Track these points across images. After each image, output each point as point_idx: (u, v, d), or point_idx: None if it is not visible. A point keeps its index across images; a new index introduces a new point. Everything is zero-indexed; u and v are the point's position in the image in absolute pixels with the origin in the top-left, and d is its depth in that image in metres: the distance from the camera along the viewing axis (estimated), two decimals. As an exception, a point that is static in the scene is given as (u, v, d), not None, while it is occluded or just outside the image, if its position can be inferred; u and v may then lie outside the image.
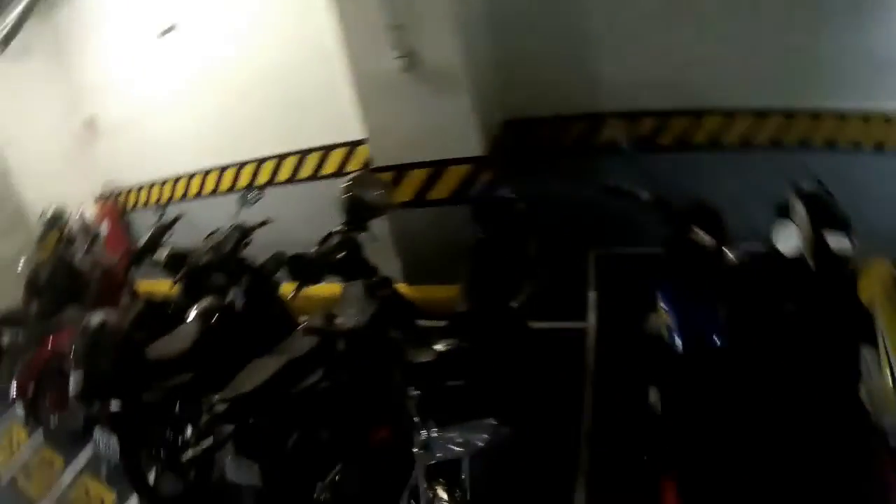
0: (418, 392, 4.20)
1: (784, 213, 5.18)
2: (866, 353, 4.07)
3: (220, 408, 4.72)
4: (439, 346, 4.40)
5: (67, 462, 7.33)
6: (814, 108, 7.80)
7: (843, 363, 4.24)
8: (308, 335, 4.99)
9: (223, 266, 6.69)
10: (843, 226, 4.57)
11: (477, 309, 5.31)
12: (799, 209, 4.88)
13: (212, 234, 6.99)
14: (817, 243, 4.51)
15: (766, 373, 4.46)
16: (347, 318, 5.56)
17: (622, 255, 8.00)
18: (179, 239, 7.91)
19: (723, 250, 4.53)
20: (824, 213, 4.74)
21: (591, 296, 7.52)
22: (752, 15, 7.40)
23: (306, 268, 5.67)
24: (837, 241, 4.48)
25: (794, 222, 4.65)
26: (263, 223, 7.03)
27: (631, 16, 7.87)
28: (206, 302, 6.38)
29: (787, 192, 5.13)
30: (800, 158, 7.60)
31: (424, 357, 4.36)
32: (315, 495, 4.94)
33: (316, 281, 5.76)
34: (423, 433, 4.06)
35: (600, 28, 8.13)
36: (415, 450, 4.12)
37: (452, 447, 4.00)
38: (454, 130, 7.33)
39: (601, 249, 8.28)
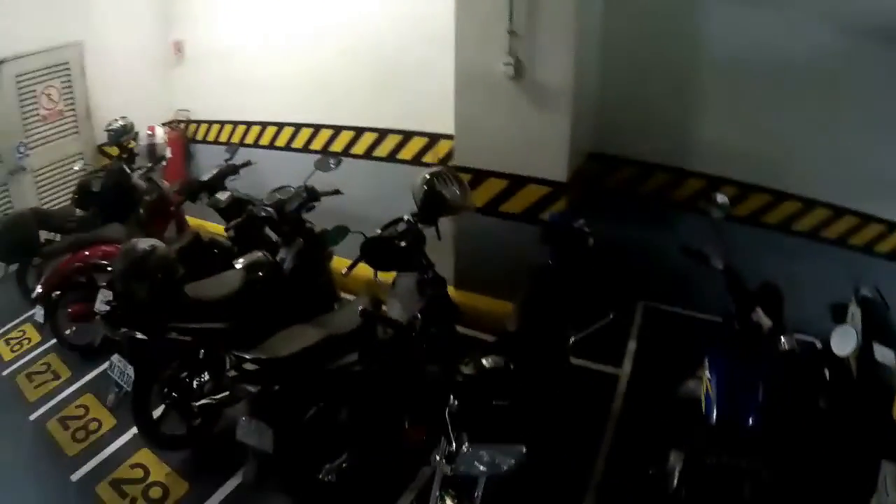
0: (457, 402, 4.06)
1: (839, 313, 5.39)
2: (886, 468, 4.18)
3: (251, 367, 4.60)
4: (487, 362, 4.25)
5: (74, 376, 7.24)
6: (891, 219, 7.59)
7: (861, 471, 4.33)
8: (364, 318, 4.83)
9: (282, 224, 6.61)
10: (891, 340, 4.64)
11: (529, 332, 5.17)
12: (856, 314, 5.08)
13: (279, 188, 6.89)
14: (864, 351, 4.62)
15: (787, 461, 4.40)
16: (392, 308, 5.59)
17: (670, 312, 7.97)
18: (240, 185, 7.90)
19: (779, 336, 4.49)
20: (878, 324, 4.89)
21: (631, 345, 7.42)
22: (853, 118, 7.24)
23: (382, 254, 5.61)
24: (883, 355, 4.54)
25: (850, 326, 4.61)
26: (336, 192, 6.91)
27: (740, 86, 7.74)
28: (255, 255, 6.25)
29: (846, 292, 5.31)
30: (864, 262, 7.58)
31: (471, 370, 4.21)
32: (320, 475, 4.87)
33: (388, 269, 5.76)
34: (454, 444, 3.92)
35: (706, 89, 8.02)
36: (437, 457, 4.02)
37: (478, 464, 3.86)
38: (545, 150, 7.20)
39: (651, 302, 8.19)
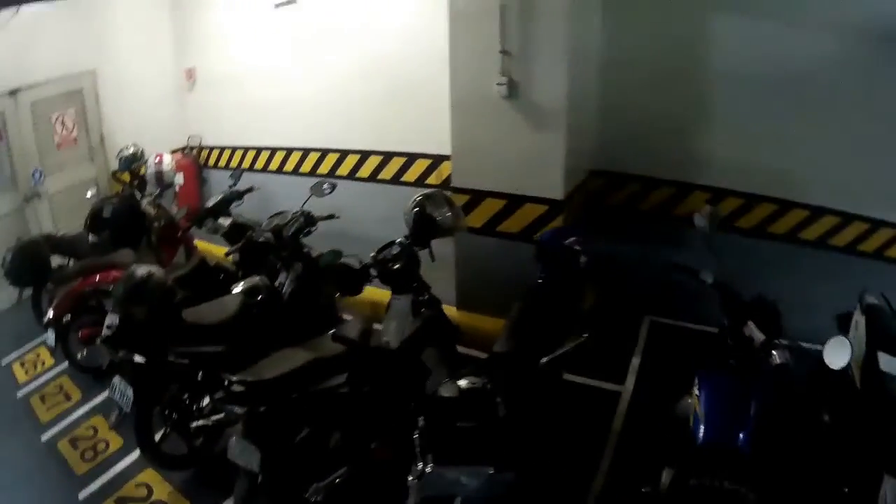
0: (425, 423, 4.15)
1: (844, 322, 5.21)
2: (888, 483, 4.00)
3: (238, 388, 4.69)
4: (463, 383, 4.31)
5: (84, 398, 7.39)
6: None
7: (863, 487, 4.16)
8: (336, 342, 4.95)
9: (280, 249, 6.73)
10: None
11: (517, 352, 5.13)
12: (860, 323, 4.88)
13: (277, 214, 7.04)
14: (868, 361, 4.48)
15: (779, 480, 4.28)
16: (387, 330, 5.65)
17: (677, 327, 7.90)
18: (250, 209, 8.06)
19: (771, 350, 4.37)
20: (883, 333, 4.69)
21: (635, 361, 7.37)
22: (858, 124, 7.23)
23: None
24: (889, 364, 4.39)
25: (849, 338, 4.36)
26: (331, 216, 7.01)
27: (741, 97, 7.74)
28: (253, 280, 6.36)
29: (852, 300, 5.13)
30: (876, 268, 7.53)
31: (445, 392, 4.28)
32: (307, 495, 4.90)
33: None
34: (420, 465, 4.01)
35: (708, 102, 8.04)
36: (410, 478, 4.06)
37: (444, 486, 3.96)
38: (541, 168, 7.22)
39: (658, 317, 8.16)
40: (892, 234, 7.53)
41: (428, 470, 3.95)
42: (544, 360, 4.76)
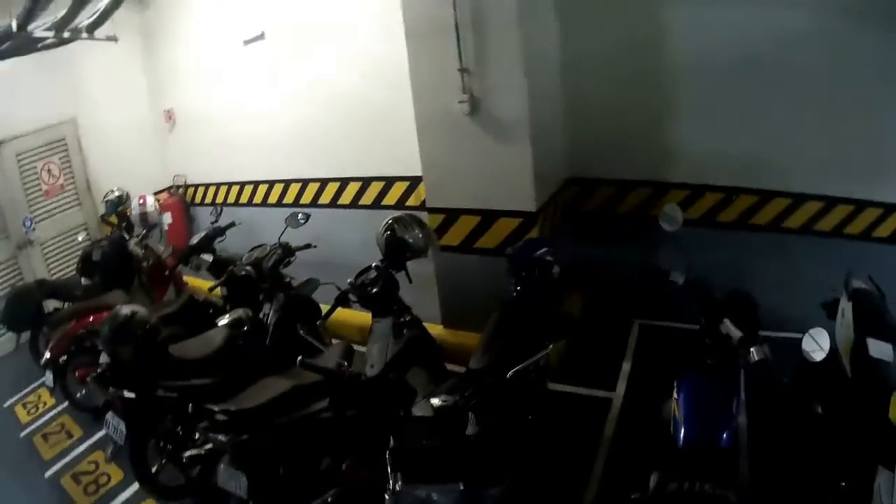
0: (394, 443, 4.26)
1: (831, 310, 5.16)
2: (882, 475, 3.87)
3: (220, 417, 4.85)
4: (435, 402, 4.38)
5: (85, 434, 7.59)
6: (885, 201, 7.50)
7: (856, 480, 4.07)
8: (304, 369, 5.00)
9: (261, 281, 6.94)
10: (888, 334, 4.45)
11: (490, 368, 5.12)
12: (846, 310, 4.81)
13: (257, 247, 7.27)
14: (857, 348, 4.41)
15: (775, 475, 4.33)
16: (369, 355, 5.79)
17: (667, 328, 7.85)
18: (238, 243, 8.27)
19: (749, 346, 4.37)
20: (871, 318, 4.65)
21: (625, 366, 7.39)
22: (830, 104, 7.26)
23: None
24: (879, 349, 4.34)
25: (836, 325, 4.58)
26: (308, 246, 7.24)
27: (709, 90, 7.81)
28: (237, 313, 6.52)
29: (840, 287, 5.10)
30: (864, 250, 7.52)
31: (419, 411, 4.47)
32: None
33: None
34: (390, 484, 4.11)
35: (676, 99, 8.11)
36: (386, 496, 4.16)
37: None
38: (510, 182, 7.30)
39: (647, 319, 8.16)
40: (878, 213, 7.52)
41: (397, 489, 4.05)
42: (510, 372, 4.65)
